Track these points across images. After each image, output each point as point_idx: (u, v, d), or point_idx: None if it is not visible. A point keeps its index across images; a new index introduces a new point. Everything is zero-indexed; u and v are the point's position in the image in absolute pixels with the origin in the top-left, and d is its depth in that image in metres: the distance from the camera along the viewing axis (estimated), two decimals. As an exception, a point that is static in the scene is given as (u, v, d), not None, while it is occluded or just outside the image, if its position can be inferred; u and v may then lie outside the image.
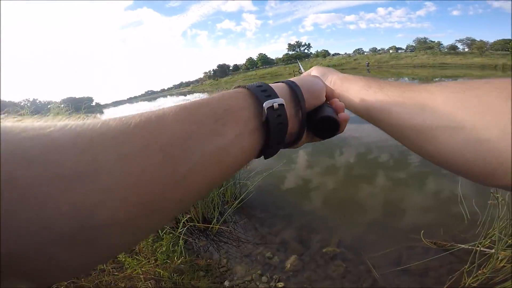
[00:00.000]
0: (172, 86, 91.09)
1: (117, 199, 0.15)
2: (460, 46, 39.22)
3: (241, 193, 2.40)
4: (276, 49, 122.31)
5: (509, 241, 1.35)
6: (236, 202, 2.20)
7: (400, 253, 1.72)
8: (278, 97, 0.25)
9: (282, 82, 0.29)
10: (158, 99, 47.36)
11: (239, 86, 0.26)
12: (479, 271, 1.26)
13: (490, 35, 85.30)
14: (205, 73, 76.45)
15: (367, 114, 0.33)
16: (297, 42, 61.76)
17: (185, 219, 1.87)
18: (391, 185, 2.96)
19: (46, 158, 0.13)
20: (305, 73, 0.51)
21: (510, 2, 74.88)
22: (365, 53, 53.18)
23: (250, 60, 67.71)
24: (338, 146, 4.34)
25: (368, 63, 38.50)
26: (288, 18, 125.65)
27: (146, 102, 46.63)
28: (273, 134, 0.24)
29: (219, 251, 1.99)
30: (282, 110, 0.24)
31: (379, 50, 53.58)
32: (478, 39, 37.14)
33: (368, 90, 0.33)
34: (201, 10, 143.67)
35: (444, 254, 1.62)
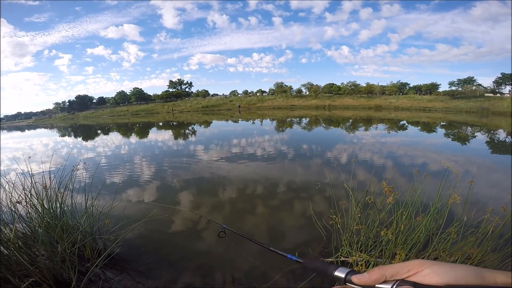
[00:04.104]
0: (2, 116, 67.37)
1: None
2: (303, 89, 48.87)
3: (107, 248, 2.19)
4: (155, 85, 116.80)
5: (356, 248, 1.83)
6: (101, 258, 1.93)
7: (287, 278, 1.96)
8: None
9: None
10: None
11: None
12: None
13: (323, 78, 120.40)
14: (57, 104, 61.72)
15: None
16: (179, 79, 60.85)
17: (25, 284, 1.42)
18: (269, 212, 3.42)
19: None
20: None
21: (339, 51, 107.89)
22: (239, 95, 59.03)
23: (121, 93, 60.77)
24: (220, 184, 4.57)
25: (240, 105, 42.74)
26: (174, 55, 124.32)
27: None
28: None
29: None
30: None
31: (250, 92, 61.10)
32: (314, 84, 47.66)
33: None
34: (71, 31, 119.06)
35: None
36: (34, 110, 69.58)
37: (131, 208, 3.61)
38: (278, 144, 9.09)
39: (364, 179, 4.32)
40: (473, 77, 38.69)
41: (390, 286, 0.34)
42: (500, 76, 38.35)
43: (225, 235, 1.43)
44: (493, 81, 38.82)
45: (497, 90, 38.18)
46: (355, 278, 0.37)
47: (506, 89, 38.27)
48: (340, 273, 0.41)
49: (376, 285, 0.35)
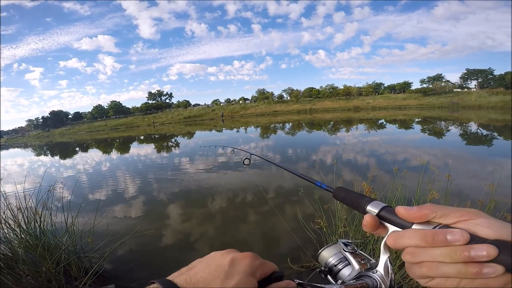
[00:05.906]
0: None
1: None
2: (284, 95, 49.95)
3: (93, 265, 2.12)
4: (134, 97, 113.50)
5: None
6: (88, 276, 1.89)
7: (288, 279, 1.94)
8: None
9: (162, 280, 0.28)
10: None
11: (153, 282, 0.28)
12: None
13: (303, 83, 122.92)
14: (30, 120, 58.80)
15: None
16: (158, 91, 59.66)
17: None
18: (260, 219, 3.40)
19: None
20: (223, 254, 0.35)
21: (316, 56, 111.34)
22: (221, 104, 59.01)
23: (98, 108, 58.82)
24: (209, 194, 4.50)
25: (223, 113, 42.48)
26: (153, 65, 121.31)
27: None
28: None
29: None
30: None
31: (232, 100, 61.25)
32: (295, 88, 48.91)
33: None
34: (41, 43, 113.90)
35: (313, 274, 1.99)
36: (5, 129, 65.77)
37: (116, 224, 3.47)
38: (264, 150, 9.13)
39: (349, 179, 4.41)
40: (441, 74, 41.24)
41: (432, 227, 0.29)
42: (465, 71, 41.16)
43: (249, 162, 1.42)
44: (460, 77, 41.58)
45: (464, 85, 40.86)
46: (401, 209, 0.32)
47: (472, 84, 41.13)
48: (373, 208, 0.35)
49: (414, 224, 0.30)
